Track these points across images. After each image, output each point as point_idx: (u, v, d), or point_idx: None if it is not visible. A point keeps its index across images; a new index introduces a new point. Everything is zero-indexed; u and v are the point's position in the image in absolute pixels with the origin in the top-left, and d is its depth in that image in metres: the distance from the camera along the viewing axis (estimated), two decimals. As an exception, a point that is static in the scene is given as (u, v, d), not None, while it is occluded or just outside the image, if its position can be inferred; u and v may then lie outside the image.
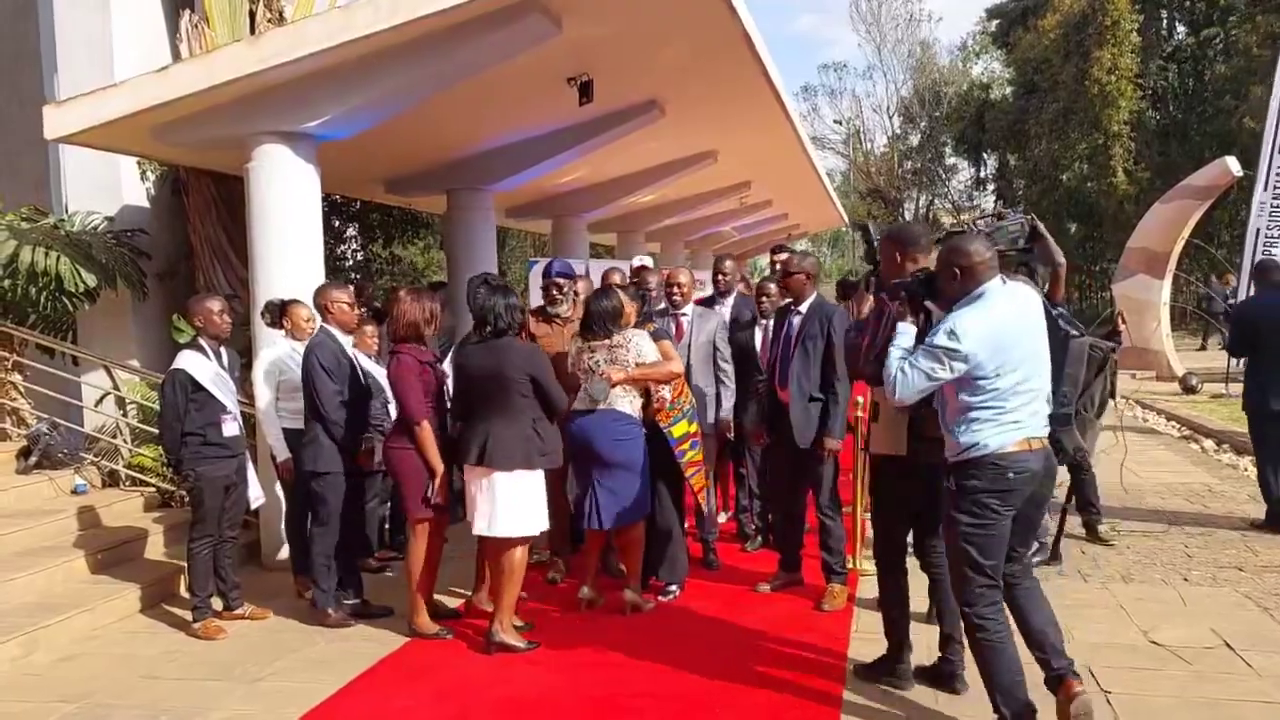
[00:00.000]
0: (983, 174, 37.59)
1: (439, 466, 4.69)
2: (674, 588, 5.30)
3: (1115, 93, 24.79)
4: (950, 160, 40.76)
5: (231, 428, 5.04)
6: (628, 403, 4.91)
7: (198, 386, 4.90)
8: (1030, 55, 28.08)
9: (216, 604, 5.15)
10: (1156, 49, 27.52)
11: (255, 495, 5.32)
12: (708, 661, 4.36)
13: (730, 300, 6.33)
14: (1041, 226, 4.39)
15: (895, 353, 3.40)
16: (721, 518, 6.57)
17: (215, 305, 5.07)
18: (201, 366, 4.93)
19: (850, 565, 5.54)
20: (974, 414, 3.33)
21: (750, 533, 6.27)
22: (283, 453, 5.48)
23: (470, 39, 5.69)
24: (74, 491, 6.55)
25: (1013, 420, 3.31)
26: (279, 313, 5.58)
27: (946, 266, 3.42)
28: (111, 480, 6.95)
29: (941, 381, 3.32)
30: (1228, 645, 4.40)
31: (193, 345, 5.03)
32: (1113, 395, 3.71)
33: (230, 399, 5.06)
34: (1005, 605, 3.47)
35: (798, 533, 5.35)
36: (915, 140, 42.00)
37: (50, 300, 7.11)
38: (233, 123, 6.01)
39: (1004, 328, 3.29)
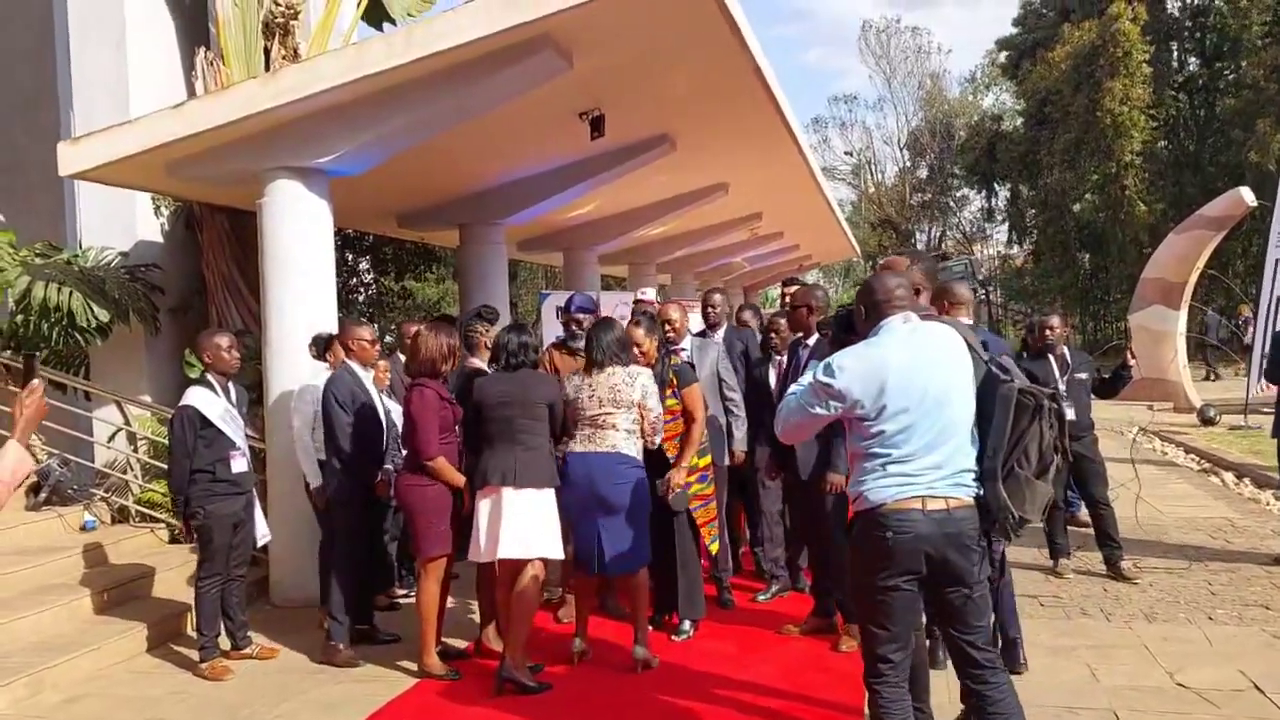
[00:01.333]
0: (993, 204, 37.63)
1: (461, 480, 4.72)
2: (688, 626, 5.18)
3: (1128, 123, 24.81)
4: (961, 191, 40.82)
5: (240, 464, 5.02)
6: (632, 444, 4.72)
7: (206, 423, 4.88)
8: (1040, 87, 28.15)
9: (224, 643, 5.11)
10: (1167, 79, 27.56)
11: (262, 533, 5.28)
12: (721, 708, 4.26)
13: (719, 334, 6.26)
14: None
15: (791, 388, 3.23)
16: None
17: (224, 341, 5.08)
18: (210, 403, 4.91)
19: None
20: (860, 461, 3.10)
21: (766, 577, 5.98)
22: (315, 478, 5.46)
23: (481, 76, 5.71)
24: (83, 528, 6.53)
25: (901, 472, 2.99)
26: (324, 346, 5.60)
27: (857, 304, 3.28)
28: (121, 516, 6.93)
29: (819, 418, 3.12)
30: (1257, 688, 4.28)
31: (201, 381, 5.02)
32: (1061, 451, 3.10)
33: (239, 435, 5.04)
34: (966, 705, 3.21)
35: (822, 573, 5.17)
36: (924, 172, 42.11)
37: (62, 335, 7.12)
38: (246, 158, 6.04)
39: (890, 366, 3.00)
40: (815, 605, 5.24)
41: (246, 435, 5.19)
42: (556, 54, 5.79)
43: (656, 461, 4.95)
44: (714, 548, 5.36)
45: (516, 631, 4.54)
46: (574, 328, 5.56)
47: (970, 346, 3.19)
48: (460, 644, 5.20)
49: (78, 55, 7.86)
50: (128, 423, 7.36)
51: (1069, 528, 6.50)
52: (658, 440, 4.80)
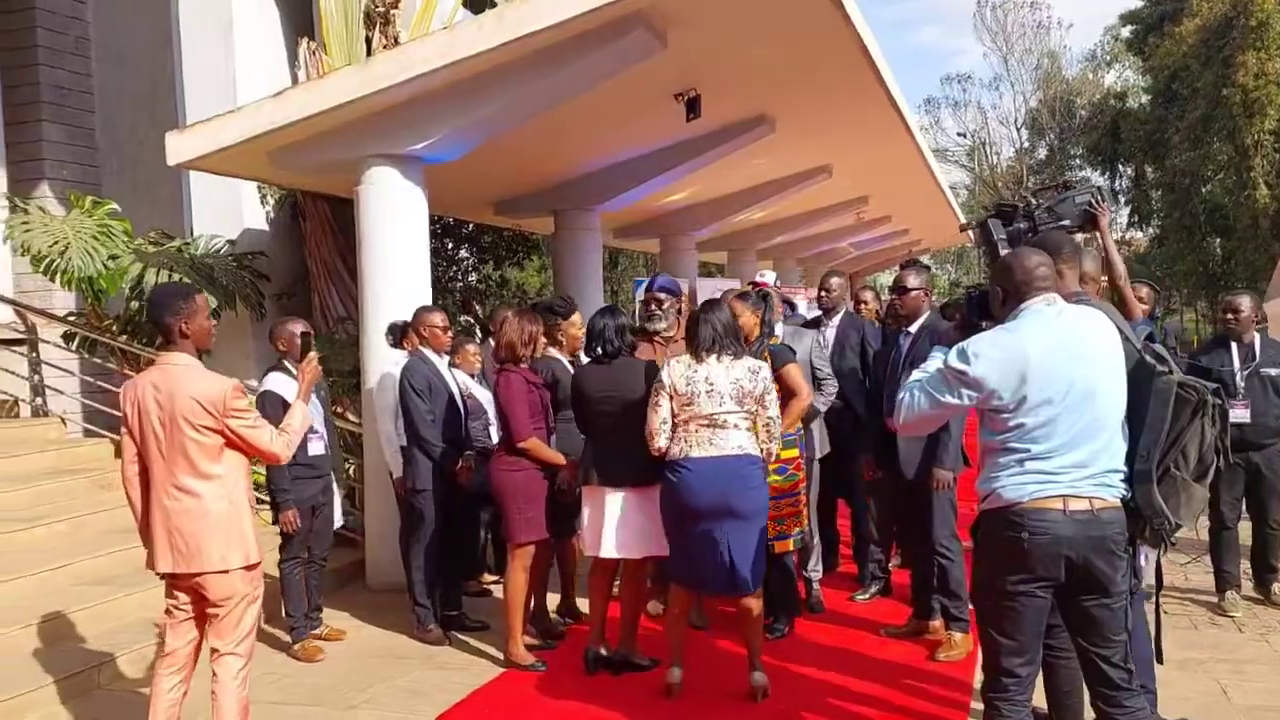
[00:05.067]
0: (1116, 186, 35.89)
1: (561, 459, 4.67)
2: (782, 624, 4.97)
3: (1263, 99, 23.21)
4: (1082, 173, 39.06)
5: (317, 447, 5.09)
6: (754, 443, 4.13)
7: (286, 406, 4.94)
8: (1168, 62, 26.62)
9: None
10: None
11: (337, 518, 5.35)
12: (812, 713, 4.09)
13: (837, 320, 5.96)
14: (1105, 218, 3.61)
15: (914, 375, 2.99)
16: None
17: (298, 328, 5.15)
18: (288, 386, 4.98)
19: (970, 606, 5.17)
20: (993, 456, 2.84)
21: (865, 578, 5.71)
22: (397, 469, 5.51)
23: (573, 58, 5.61)
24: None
25: (1040, 469, 2.73)
26: (400, 334, 5.62)
27: (992, 286, 2.99)
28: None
29: (949, 408, 2.87)
30: None
31: (277, 367, 5.08)
32: (1222, 452, 2.81)
33: (317, 418, 5.10)
34: None
35: (923, 575, 4.88)
36: (1043, 153, 40.46)
37: (174, 321, 7.34)
38: (343, 146, 6.09)
39: (1031, 355, 2.73)
40: (915, 608, 4.99)
41: (343, 419, 5.24)
42: (650, 33, 5.64)
43: None
44: (784, 546, 4.79)
45: (627, 617, 4.58)
46: (653, 307, 5.26)
47: (1123, 333, 2.90)
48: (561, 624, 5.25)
49: (189, 48, 8.12)
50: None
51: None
52: (774, 448, 4.19)
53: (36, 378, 7.69)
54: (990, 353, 2.77)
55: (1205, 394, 2.76)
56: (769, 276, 6.76)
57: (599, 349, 4.49)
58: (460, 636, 5.20)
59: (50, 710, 4.26)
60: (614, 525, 4.39)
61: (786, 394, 4.66)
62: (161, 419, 3.26)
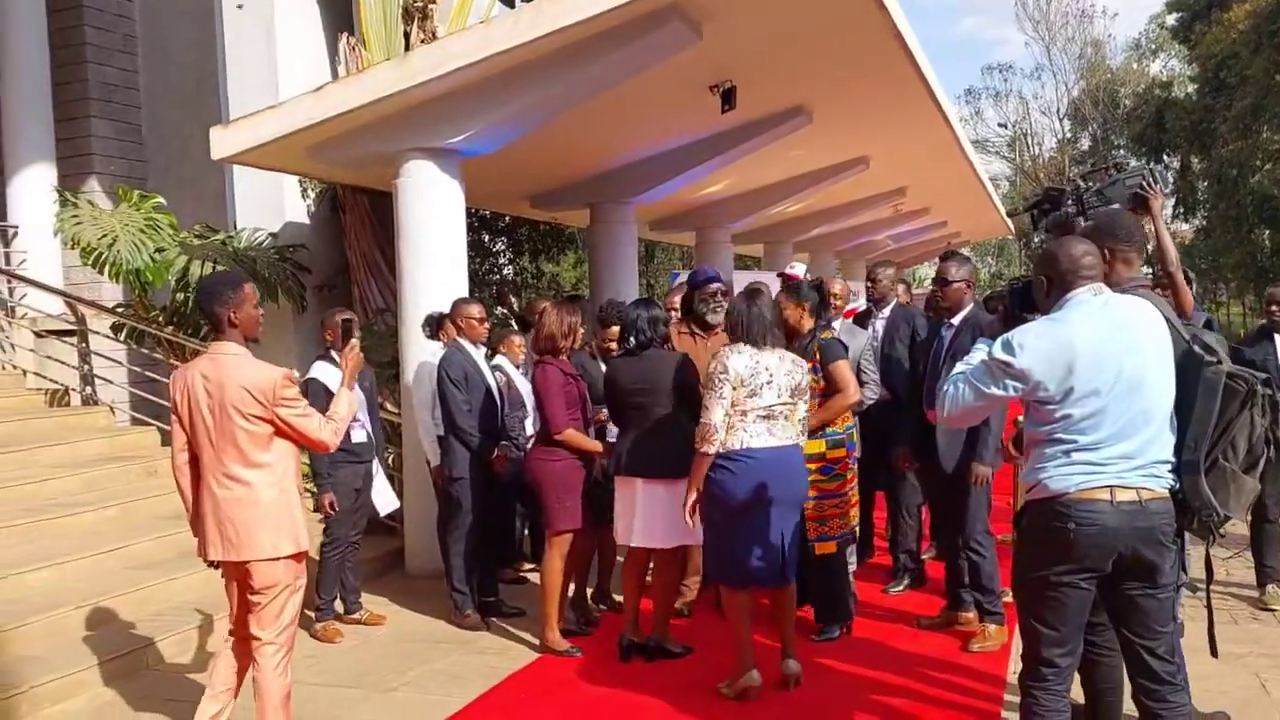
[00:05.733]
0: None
1: (598, 446, 4.76)
2: (834, 631, 4.83)
3: (1317, 86, 22.64)
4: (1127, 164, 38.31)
5: (359, 434, 5.20)
6: (797, 432, 4.18)
7: (329, 394, 5.04)
8: (1215, 50, 26.05)
9: (338, 607, 5.34)
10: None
11: (384, 503, 5.44)
12: (846, 705, 4.10)
13: (887, 311, 5.84)
14: (1158, 201, 3.49)
15: (958, 367, 2.93)
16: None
17: (341, 317, 5.25)
18: (333, 375, 5.08)
19: (1006, 597, 5.14)
20: (1039, 447, 2.79)
21: (898, 569, 5.71)
22: (434, 458, 5.60)
23: (608, 50, 5.64)
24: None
25: (1088, 460, 2.68)
26: (436, 325, 5.71)
27: (1036, 276, 2.93)
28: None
29: (994, 400, 2.81)
30: None
31: (324, 356, 5.20)
32: (1273, 443, 2.76)
33: (360, 406, 5.20)
34: None
35: (956, 567, 4.84)
36: (1086, 143, 39.81)
37: (219, 313, 7.49)
38: (381, 140, 6.18)
39: (1078, 345, 2.68)
40: (948, 600, 4.96)
41: (381, 409, 5.34)
42: (685, 25, 5.66)
43: None
44: (826, 547, 4.69)
45: (661, 605, 4.63)
46: (718, 299, 5.08)
47: (1170, 323, 2.84)
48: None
49: (232, 44, 8.26)
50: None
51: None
52: (801, 442, 4.23)
53: (86, 367, 7.89)
54: (1036, 344, 2.72)
55: (1255, 384, 2.70)
56: (799, 269, 6.68)
57: (631, 339, 4.54)
58: (498, 622, 5.28)
59: (100, 689, 4.40)
60: (642, 515, 4.45)
61: (832, 389, 4.61)
62: (211, 408, 3.28)
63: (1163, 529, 2.70)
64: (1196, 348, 2.77)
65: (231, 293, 3.35)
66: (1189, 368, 2.76)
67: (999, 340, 2.80)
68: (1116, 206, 3.48)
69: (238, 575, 3.43)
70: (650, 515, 4.44)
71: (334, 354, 5.14)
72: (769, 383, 4.01)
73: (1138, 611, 2.78)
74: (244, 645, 3.49)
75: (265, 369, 3.32)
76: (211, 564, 3.47)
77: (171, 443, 3.51)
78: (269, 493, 3.32)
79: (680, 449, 4.19)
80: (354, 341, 3.71)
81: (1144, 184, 3.51)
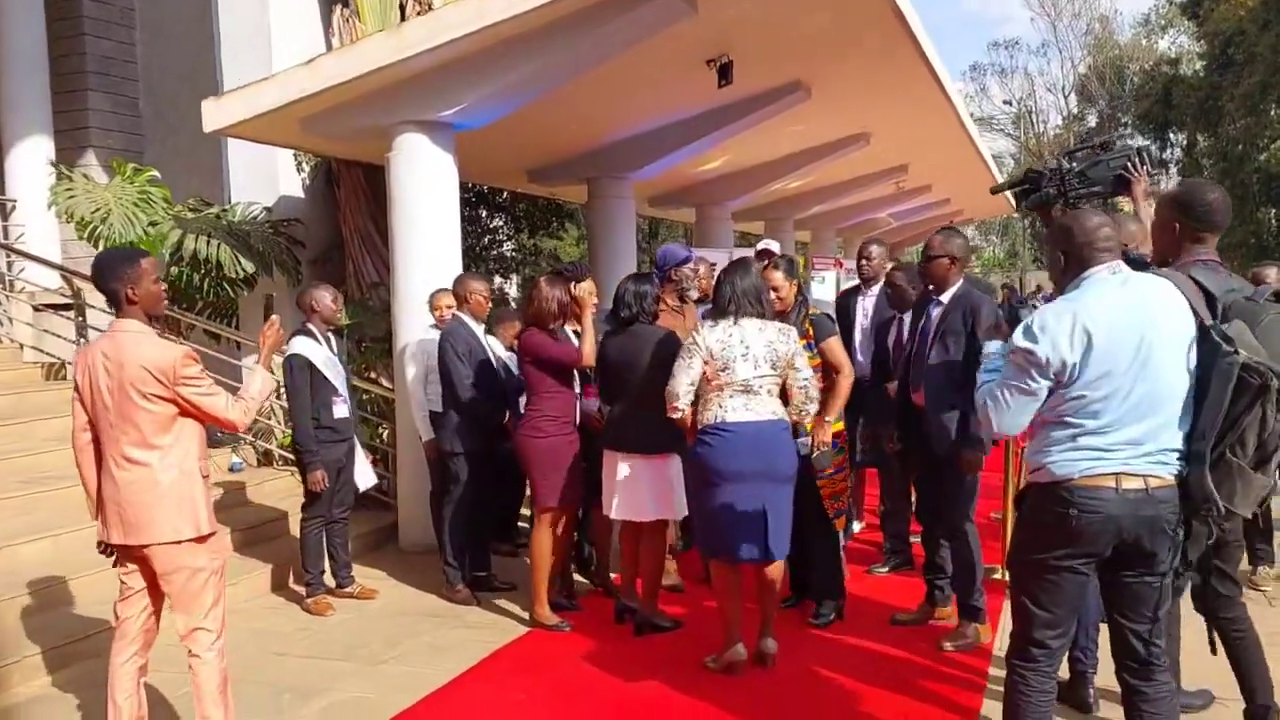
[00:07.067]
0: (1167, 155, 34.99)
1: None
2: (828, 613, 4.72)
3: (1324, 62, 22.44)
4: (1132, 141, 38.09)
5: (341, 410, 5.20)
6: (783, 409, 4.08)
7: (313, 370, 5.05)
8: (1224, 26, 25.80)
9: (329, 581, 5.37)
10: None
11: (363, 480, 5.46)
12: (815, 701, 4.10)
13: (875, 289, 5.85)
14: (1141, 184, 3.36)
15: (982, 377, 2.83)
16: (856, 527, 6.22)
17: (327, 294, 5.30)
18: (314, 350, 5.09)
19: (996, 574, 5.15)
20: (1047, 429, 2.70)
21: (884, 550, 5.70)
22: (427, 433, 5.64)
23: (602, 22, 5.59)
24: (230, 469, 6.88)
25: (1093, 445, 2.61)
26: (431, 302, 5.76)
27: (1052, 251, 2.78)
28: (266, 459, 7.27)
29: (1038, 395, 2.65)
30: None
31: (303, 331, 5.18)
32: None
33: (340, 382, 5.22)
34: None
35: (938, 560, 4.68)
36: (1093, 120, 39.53)
37: (213, 287, 7.49)
38: (374, 113, 6.14)
39: (1097, 325, 2.57)
40: (927, 592, 4.76)
41: (376, 384, 5.34)
42: (679, -3, 5.60)
43: None
44: (841, 522, 4.72)
45: (648, 578, 4.64)
46: (689, 281, 5.15)
47: (1192, 307, 2.70)
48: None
49: (227, 18, 8.20)
50: (271, 370, 7.69)
51: None
52: (812, 410, 4.09)
53: (83, 341, 7.88)
54: (1056, 325, 2.62)
55: (1270, 379, 2.55)
56: (773, 246, 6.63)
57: (620, 314, 4.55)
58: (489, 598, 5.29)
59: (92, 662, 4.41)
60: (623, 488, 4.49)
61: (829, 369, 4.51)
62: (111, 387, 3.15)
63: (1168, 516, 2.64)
64: (1215, 335, 2.64)
65: (128, 268, 3.19)
66: (1206, 355, 2.65)
67: (1019, 328, 2.69)
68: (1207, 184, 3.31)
69: (139, 561, 3.27)
70: (631, 488, 4.47)
71: (312, 328, 5.14)
72: (744, 355, 3.95)
73: (1131, 596, 2.73)
74: (140, 631, 3.36)
75: (165, 347, 3.18)
76: (105, 550, 3.33)
77: (73, 422, 3.34)
78: (168, 475, 3.18)
79: (659, 425, 4.18)
80: (274, 318, 3.58)
81: (1129, 165, 3.44)
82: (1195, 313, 2.70)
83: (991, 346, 2.93)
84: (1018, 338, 2.66)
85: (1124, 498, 2.60)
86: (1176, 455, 2.65)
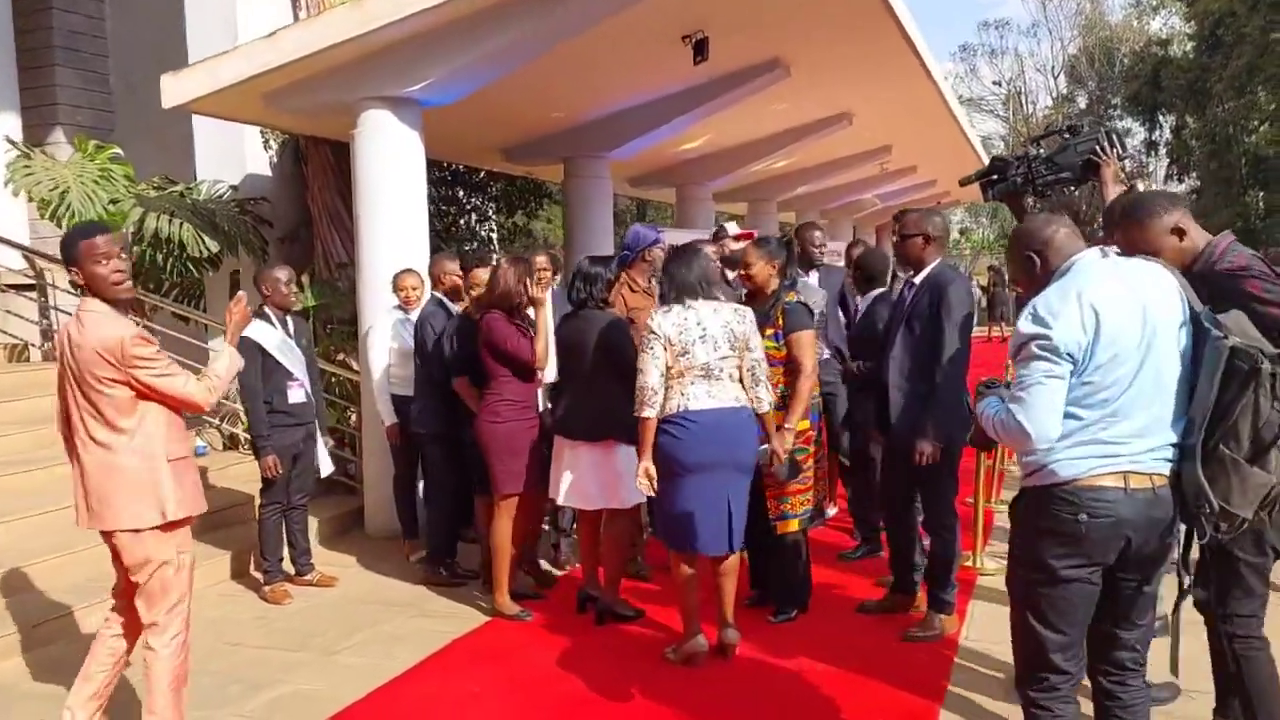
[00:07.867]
0: (1155, 137, 34.95)
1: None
2: (789, 612, 4.54)
3: (1314, 45, 22.32)
4: (1122, 123, 38.01)
5: (297, 395, 5.06)
6: (743, 391, 3.94)
7: (264, 354, 4.91)
8: (1213, 8, 25.68)
9: (289, 568, 5.27)
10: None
11: (325, 466, 5.35)
12: (779, 684, 4.02)
13: (814, 276, 5.82)
14: (1111, 168, 3.27)
15: (987, 394, 2.66)
16: (830, 512, 6.13)
17: (282, 275, 5.15)
18: (267, 334, 4.96)
19: (970, 563, 5.08)
20: None
21: (855, 536, 5.62)
22: (389, 418, 5.56)
23: (570, -5, 5.43)
24: (195, 454, 6.74)
25: (1102, 441, 2.41)
26: (394, 284, 5.68)
27: (1022, 255, 2.62)
28: (232, 444, 7.14)
29: (1064, 375, 2.41)
30: None
31: (258, 314, 5.02)
32: None
33: (298, 366, 5.08)
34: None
35: (910, 547, 4.44)
36: (1083, 102, 39.39)
37: (176, 266, 7.33)
38: (338, 88, 5.97)
39: (1102, 301, 2.41)
40: (894, 581, 4.57)
41: (337, 366, 5.23)
42: (650, -31, 5.45)
43: None
44: (786, 526, 4.41)
45: (610, 567, 4.55)
46: (658, 265, 4.99)
47: (1181, 292, 2.54)
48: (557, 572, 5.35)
49: (194, -9, 7.98)
50: (238, 349, 7.56)
51: None
52: (762, 395, 3.91)
53: (46, 322, 7.73)
54: (1063, 305, 2.43)
55: (1261, 362, 2.36)
56: (731, 228, 6.52)
57: (570, 296, 4.47)
58: (452, 587, 5.18)
59: (46, 649, 4.30)
60: (569, 475, 4.41)
61: (793, 366, 4.28)
62: (74, 370, 3.09)
63: (1173, 517, 2.48)
64: (1204, 320, 2.48)
65: (70, 250, 3.08)
66: (1197, 340, 2.49)
67: (1024, 317, 2.49)
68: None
69: (112, 549, 3.23)
70: (576, 476, 4.38)
71: (268, 311, 5.01)
72: (702, 338, 3.81)
73: (1124, 603, 2.56)
74: (130, 619, 3.32)
75: (115, 328, 3.06)
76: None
77: (56, 404, 3.30)
78: (130, 459, 3.09)
79: (603, 412, 4.10)
80: (240, 295, 3.47)
81: (1096, 149, 3.33)
82: (1185, 296, 2.55)
83: (988, 396, 2.69)
84: (1026, 326, 2.46)
85: (1133, 498, 2.42)
86: (1175, 451, 2.48)
